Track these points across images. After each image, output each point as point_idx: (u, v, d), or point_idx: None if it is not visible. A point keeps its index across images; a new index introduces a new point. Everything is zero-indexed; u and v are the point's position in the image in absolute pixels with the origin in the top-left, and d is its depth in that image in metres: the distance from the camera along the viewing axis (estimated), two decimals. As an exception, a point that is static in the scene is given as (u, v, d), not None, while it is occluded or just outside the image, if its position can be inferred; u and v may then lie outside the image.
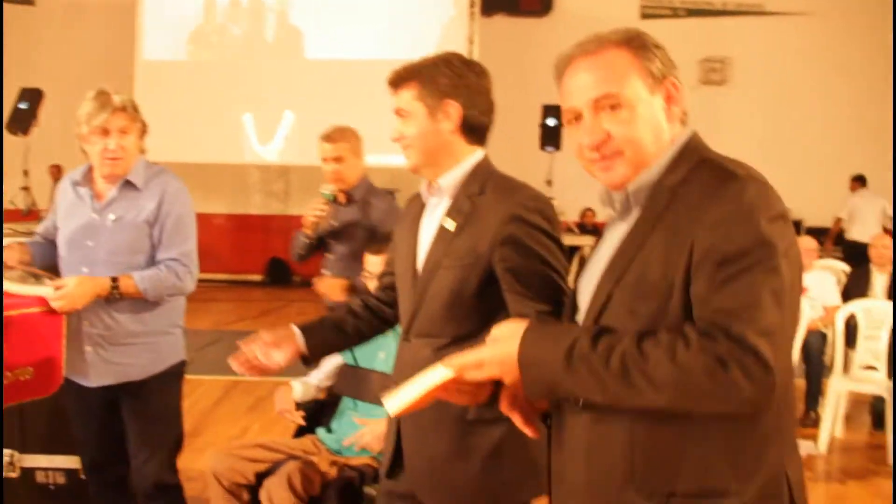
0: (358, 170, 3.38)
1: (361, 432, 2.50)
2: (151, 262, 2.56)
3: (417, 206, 2.00)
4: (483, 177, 1.87)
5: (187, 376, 3.90)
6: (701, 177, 1.27)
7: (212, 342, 3.92)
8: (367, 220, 3.28)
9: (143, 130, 2.61)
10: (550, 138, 10.37)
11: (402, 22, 10.14)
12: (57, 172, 10.95)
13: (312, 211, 3.28)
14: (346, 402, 2.75)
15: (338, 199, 3.34)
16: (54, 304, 2.39)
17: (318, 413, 2.80)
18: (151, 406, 2.63)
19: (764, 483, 1.26)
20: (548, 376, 1.24)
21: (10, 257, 2.55)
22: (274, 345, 1.87)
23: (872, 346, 4.92)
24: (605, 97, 1.31)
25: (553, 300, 1.75)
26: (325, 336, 1.99)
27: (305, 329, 1.95)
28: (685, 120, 1.40)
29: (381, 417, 2.53)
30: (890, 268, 5.80)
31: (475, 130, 1.91)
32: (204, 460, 2.70)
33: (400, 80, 1.88)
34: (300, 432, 2.78)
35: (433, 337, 1.85)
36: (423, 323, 1.87)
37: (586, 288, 1.38)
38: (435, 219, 1.90)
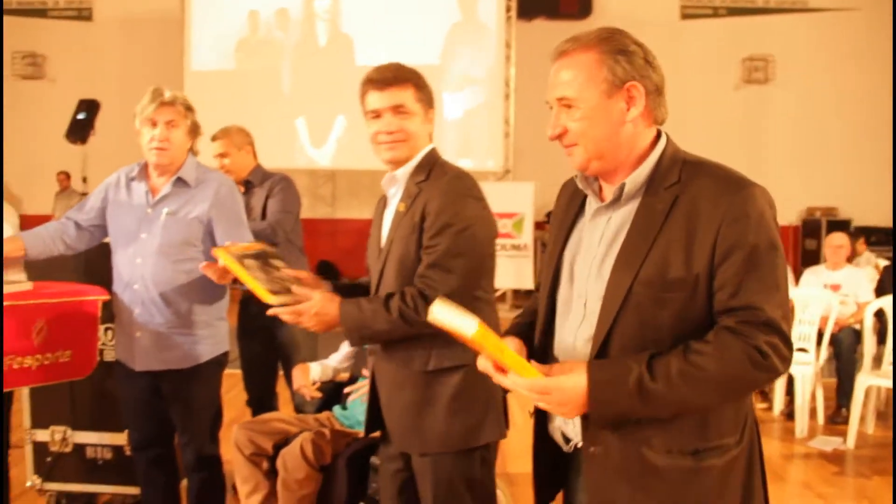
0: (245, 161, 3.71)
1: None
2: (203, 256, 2.68)
3: (382, 202, 2.27)
4: (429, 165, 2.13)
5: (232, 371, 4.14)
6: (706, 179, 1.45)
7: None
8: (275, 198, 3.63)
9: (195, 131, 2.76)
10: (587, 139, 10.49)
11: (442, 27, 10.39)
12: (65, 180, 11.48)
13: None
14: (361, 382, 2.94)
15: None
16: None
17: (336, 393, 3.01)
18: (194, 394, 2.78)
19: (747, 426, 1.53)
20: (619, 410, 1.41)
21: (7, 249, 2.62)
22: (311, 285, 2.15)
23: (903, 341, 4.93)
24: (563, 99, 1.50)
25: (449, 262, 2.00)
26: (357, 294, 2.24)
27: (338, 285, 2.26)
28: (659, 118, 1.54)
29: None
30: (924, 263, 5.80)
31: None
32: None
33: (400, 79, 2.10)
34: (318, 411, 2.99)
35: None
36: (383, 292, 2.11)
37: (583, 276, 1.54)
38: (393, 205, 2.16)
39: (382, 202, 2.25)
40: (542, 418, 1.65)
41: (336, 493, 2.61)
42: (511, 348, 1.50)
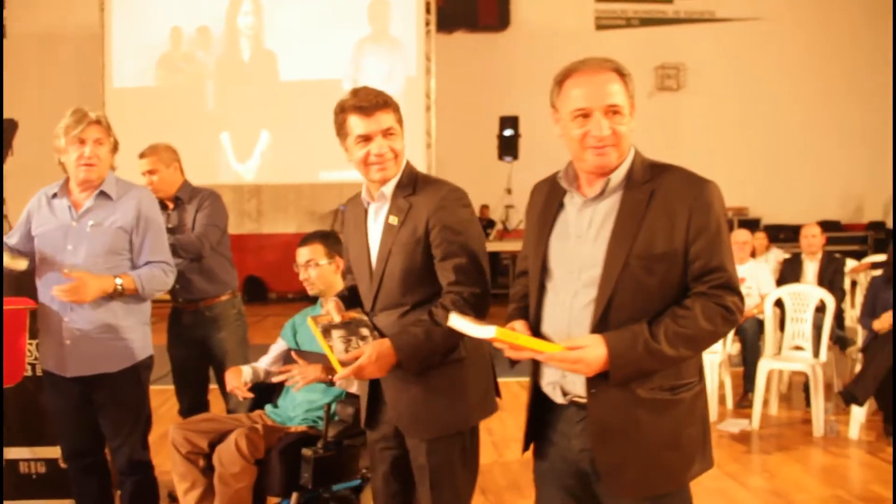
0: (174, 177, 3.80)
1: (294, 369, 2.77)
2: (128, 263, 2.85)
3: (359, 211, 2.42)
4: (411, 180, 2.33)
5: (163, 386, 4.19)
6: (674, 177, 1.85)
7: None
8: (206, 214, 3.76)
9: (115, 147, 2.91)
10: (508, 148, 10.75)
11: (363, 42, 10.59)
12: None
13: None
14: (288, 366, 3.07)
15: (166, 206, 3.75)
16: (62, 296, 2.70)
17: (267, 392, 3.17)
18: (125, 397, 2.90)
19: (700, 368, 1.96)
20: (633, 369, 1.79)
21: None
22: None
23: (800, 328, 5.32)
24: (614, 106, 1.83)
25: (471, 265, 2.25)
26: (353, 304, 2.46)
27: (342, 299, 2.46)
28: None
29: (318, 394, 2.94)
30: (819, 255, 6.23)
31: None
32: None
33: (385, 104, 2.27)
34: (251, 410, 3.14)
35: (395, 307, 2.30)
36: (384, 299, 2.31)
37: (576, 254, 1.88)
38: (380, 219, 2.34)
39: (360, 214, 2.41)
40: (536, 377, 1.99)
41: (270, 484, 2.77)
42: (520, 329, 1.89)
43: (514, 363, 1.95)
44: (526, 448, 2.06)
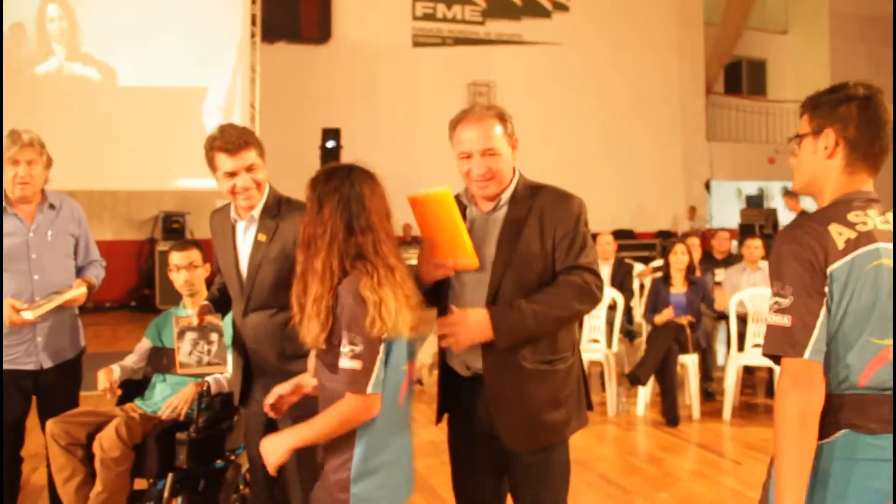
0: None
1: (171, 399, 3.14)
2: (73, 263, 3.25)
3: (227, 225, 2.79)
4: (276, 203, 2.75)
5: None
6: (547, 194, 2.35)
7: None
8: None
9: (49, 163, 3.21)
10: (330, 159, 11.04)
11: (192, 49, 10.54)
12: None
13: None
14: (157, 377, 3.39)
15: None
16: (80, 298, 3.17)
17: (136, 387, 3.40)
18: (77, 380, 3.31)
19: (575, 347, 2.43)
20: (513, 326, 2.21)
21: None
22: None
23: (595, 324, 6.10)
24: (490, 150, 2.31)
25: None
26: (224, 302, 2.87)
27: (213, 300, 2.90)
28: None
29: (184, 387, 3.22)
30: (612, 260, 7.10)
31: None
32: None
33: (248, 143, 2.64)
34: (121, 403, 3.36)
35: (265, 309, 2.67)
36: (255, 302, 2.69)
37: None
38: (249, 236, 2.73)
39: (228, 228, 2.76)
40: (444, 357, 2.44)
41: (148, 467, 3.02)
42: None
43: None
44: (439, 420, 2.49)
